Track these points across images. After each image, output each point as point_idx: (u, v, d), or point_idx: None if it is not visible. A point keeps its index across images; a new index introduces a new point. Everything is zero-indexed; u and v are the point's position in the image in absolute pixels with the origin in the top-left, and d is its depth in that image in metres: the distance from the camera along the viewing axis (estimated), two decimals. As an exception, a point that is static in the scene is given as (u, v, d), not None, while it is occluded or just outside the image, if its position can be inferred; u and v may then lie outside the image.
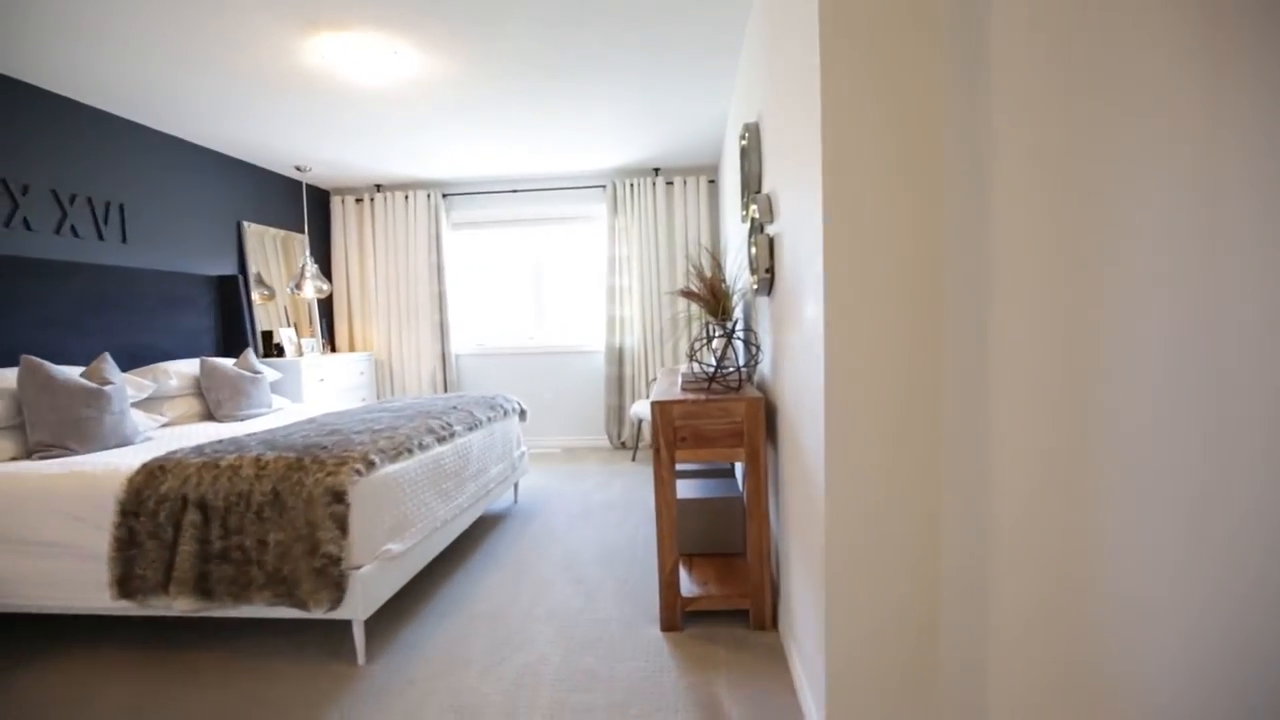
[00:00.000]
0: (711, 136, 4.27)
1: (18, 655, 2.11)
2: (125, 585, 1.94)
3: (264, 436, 2.39)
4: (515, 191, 5.20)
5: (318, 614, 1.89)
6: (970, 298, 1.17)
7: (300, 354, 4.51)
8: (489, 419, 3.11)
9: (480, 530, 3.21)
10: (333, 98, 3.30)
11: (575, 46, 2.81)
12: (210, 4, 2.34)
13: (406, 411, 2.89)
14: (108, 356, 2.73)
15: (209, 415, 3.32)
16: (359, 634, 1.97)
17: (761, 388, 2.40)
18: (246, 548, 1.90)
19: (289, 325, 4.72)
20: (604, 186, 5.10)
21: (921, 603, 1.34)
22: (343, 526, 1.88)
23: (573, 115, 3.73)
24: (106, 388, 2.58)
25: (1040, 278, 0.93)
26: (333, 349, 5.30)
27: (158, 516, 1.94)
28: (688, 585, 2.23)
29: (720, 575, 2.30)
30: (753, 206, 2.20)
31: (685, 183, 4.98)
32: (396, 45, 2.71)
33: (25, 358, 2.44)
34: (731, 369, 2.23)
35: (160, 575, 1.93)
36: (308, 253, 4.64)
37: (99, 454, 2.40)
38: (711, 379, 2.15)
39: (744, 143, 2.46)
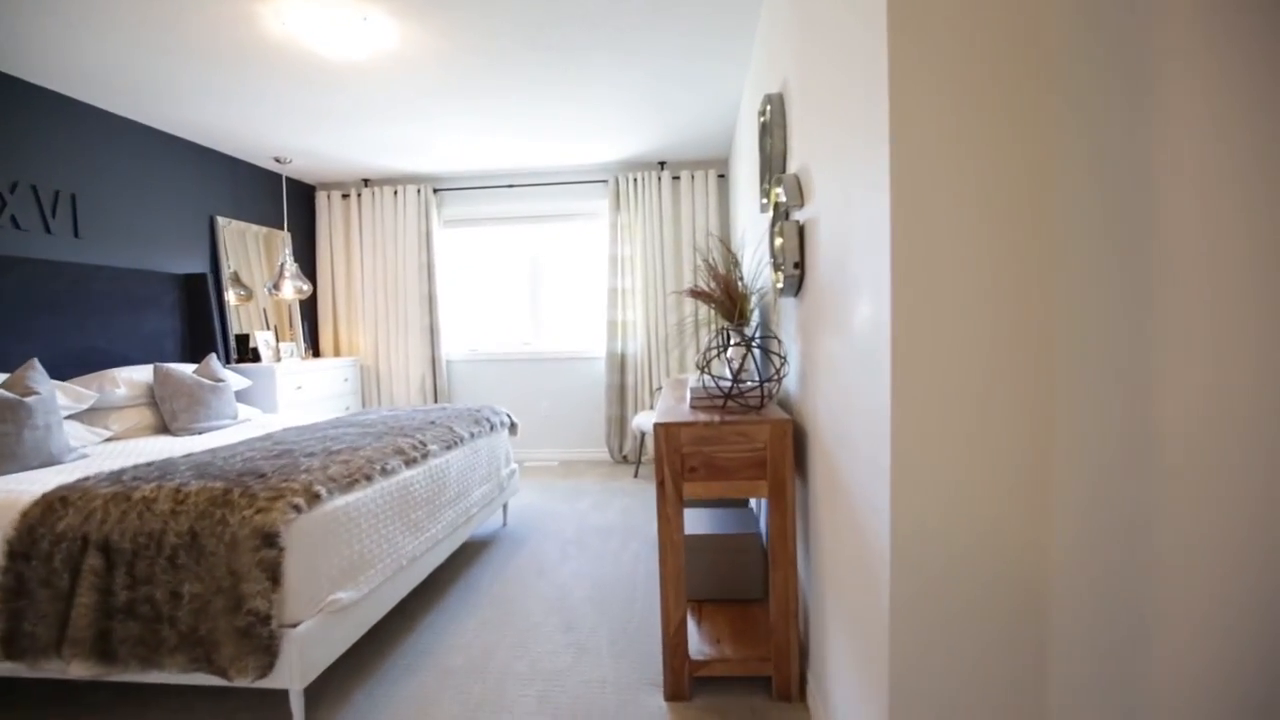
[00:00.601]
0: (721, 126, 3.92)
1: (-104, 720, 1.77)
2: (10, 644, 1.59)
3: (203, 458, 2.04)
4: (511, 186, 4.87)
5: (241, 683, 1.53)
6: (1107, 300, 0.81)
7: (277, 359, 4.18)
8: (472, 435, 2.76)
9: (461, 560, 2.85)
10: (304, 76, 2.97)
11: (572, 18, 2.47)
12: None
13: (377, 427, 2.54)
14: (36, 363, 2.39)
15: (164, 428, 2.98)
16: (297, 706, 1.61)
17: (785, 406, 2.04)
18: (156, 601, 1.55)
19: (268, 328, 4.40)
20: (605, 181, 4.75)
21: (1023, 680, 0.98)
22: (274, 576, 1.53)
23: (571, 103, 3.40)
24: (29, 399, 2.24)
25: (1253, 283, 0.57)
26: (316, 354, 4.97)
27: (52, 560, 1.59)
28: (697, 643, 1.87)
29: (736, 630, 1.94)
30: (776, 190, 1.85)
31: (693, 177, 4.63)
32: (365, 11, 2.38)
33: (-71, 364, 2.11)
34: (752, 384, 1.87)
35: (53, 633, 1.58)
36: (287, 251, 4.32)
37: (12, 476, 2.06)
38: (728, 396, 1.79)
39: (764, 118, 2.11)
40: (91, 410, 2.78)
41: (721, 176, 4.65)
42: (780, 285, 1.82)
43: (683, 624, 1.76)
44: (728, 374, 2.02)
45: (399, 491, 2.09)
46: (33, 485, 1.84)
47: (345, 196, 4.98)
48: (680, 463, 1.70)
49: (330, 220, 4.99)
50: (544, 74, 3.04)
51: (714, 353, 2.01)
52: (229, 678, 1.53)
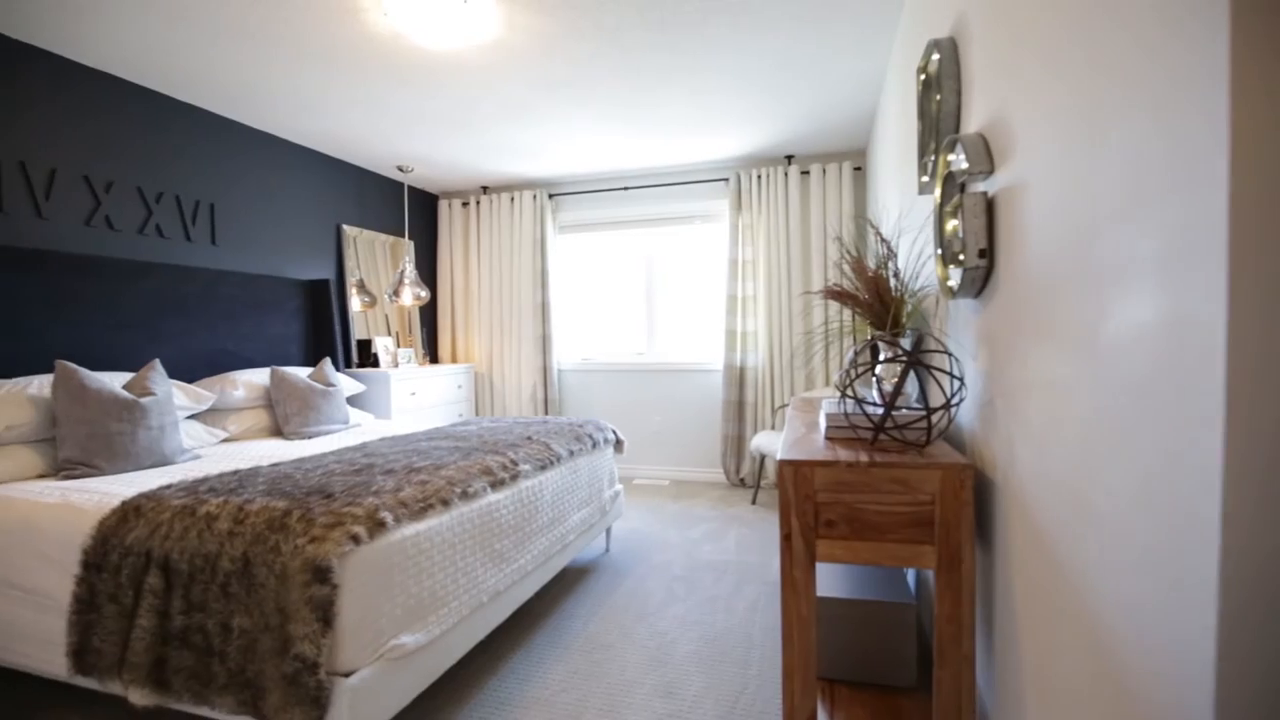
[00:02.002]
0: (859, 110, 3.43)
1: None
2: (80, 659, 1.51)
3: (287, 468, 1.93)
4: (626, 189, 4.64)
5: (289, 737, 1.33)
6: None
7: (395, 365, 4.22)
8: (571, 453, 2.50)
9: (556, 588, 2.60)
10: (411, 73, 2.89)
11: (688, -23, 2.16)
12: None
13: (470, 441, 2.35)
14: (156, 364, 2.44)
15: (278, 431, 3.01)
16: (349, 766, 1.39)
17: (957, 444, 1.57)
18: (208, 631, 1.39)
19: (389, 334, 4.48)
20: (725, 179, 4.39)
21: None
22: (325, 617, 1.32)
23: (688, 91, 3.09)
24: (144, 399, 2.27)
25: None
26: (434, 360, 5.02)
27: (119, 574, 1.50)
28: (829, 744, 1.44)
29: (881, 731, 1.49)
30: (950, 157, 1.40)
31: (824, 171, 4.14)
32: (467, -10, 2.21)
33: (59, 363, 2.18)
34: (913, 413, 1.42)
35: (116, 652, 1.48)
36: (408, 259, 4.37)
37: (123, 475, 2.07)
38: (879, 427, 1.36)
39: (926, 74, 1.66)
40: (212, 411, 2.84)
41: (858, 169, 4.13)
42: (953, 283, 1.37)
43: (811, 718, 1.35)
44: (876, 397, 1.58)
45: (482, 517, 1.85)
46: (127, 489, 1.80)
47: (465, 204, 5.01)
48: (813, 514, 1.30)
49: (451, 228, 5.04)
50: (657, 59, 2.75)
51: (859, 370, 1.58)
52: (275, 730, 1.33)
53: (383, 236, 4.51)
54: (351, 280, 4.16)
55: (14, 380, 2.19)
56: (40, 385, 2.20)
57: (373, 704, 1.41)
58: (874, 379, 1.58)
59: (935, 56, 1.59)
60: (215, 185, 3.31)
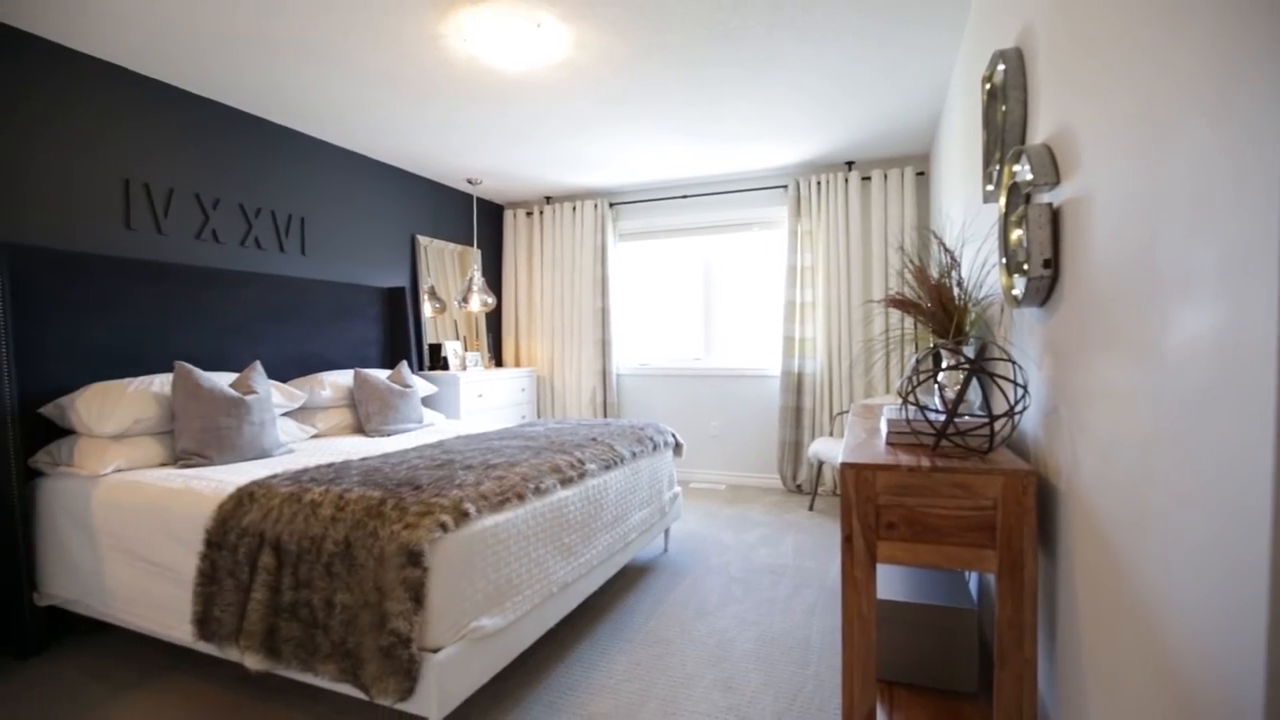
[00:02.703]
0: (922, 115, 3.40)
1: (126, 678, 2.00)
2: (204, 626, 1.70)
3: (375, 462, 2.09)
4: (685, 197, 4.72)
5: (383, 703, 1.47)
6: None
7: (463, 368, 4.43)
8: (633, 454, 2.59)
9: (617, 586, 2.69)
10: (487, 93, 3.06)
11: (750, 2, 2.23)
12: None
13: (539, 441, 2.48)
14: (258, 365, 2.68)
15: (359, 428, 3.23)
16: (435, 735, 1.52)
17: (1021, 451, 1.58)
18: (314, 606, 1.55)
19: (458, 338, 4.70)
20: (784, 186, 4.41)
21: None
22: (417, 597, 1.45)
23: (749, 101, 3.14)
24: (249, 397, 2.50)
25: None
26: (499, 364, 5.23)
27: (238, 552, 1.68)
28: (889, 742, 1.48)
29: (942, 733, 1.51)
30: (1014, 168, 1.42)
31: (885, 176, 4.11)
32: (539, 16, 2.34)
33: (178, 364, 2.43)
34: (975, 420, 1.45)
35: (234, 621, 1.66)
36: (476, 267, 4.58)
37: (231, 466, 2.29)
38: (941, 433, 1.39)
39: (992, 82, 1.67)
40: (302, 409, 3.08)
41: (920, 174, 4.08)
42: (1018, 292, 1.39)
43: (870, 717, 1.39)
44: (938, 404, 1.61)
45: (552, 513, 1.97)
46: (238, 477, 2.00)
47: (529, 214, 5.20)
48: (874, 516, 1.34)
49: (515, 237, 5.24)
50: (721, 72, 2.83)
51: (921, 377, 1.61)
52: (371, 696, 1.47)
53: (451, 245, 4.75)
54: (424, 287, 4.40)
55: (140, 379, 2.45)
56: (162, 384, 2.45)
57: (456, 680, 1.53)
58: (936, 386, 1.61)
59: (1001, 67, 1.61)
60: (306, 200, 3.58)
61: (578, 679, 1.96)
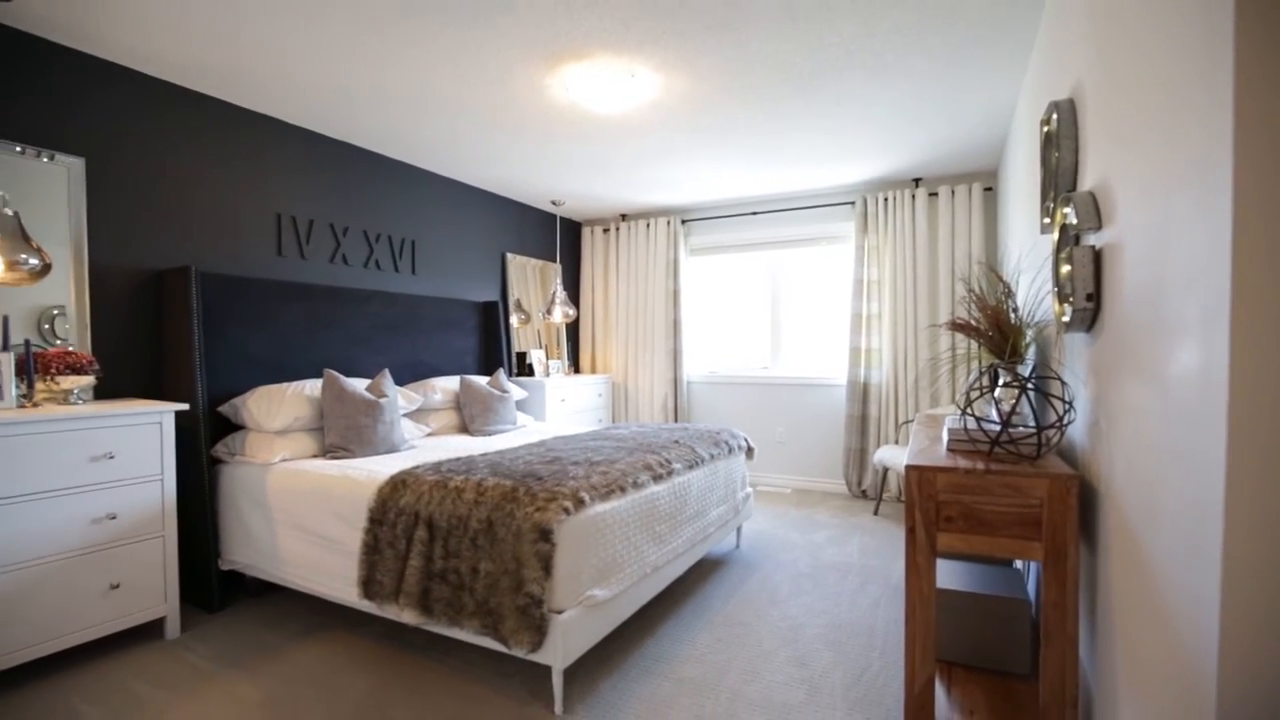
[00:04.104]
0: (990, 134, 3.54)
1: (297, 630, 2.43)
2: (367, 587, 2.09)
3: (494, 458, 2.45)
4: (754, 214, 4.97)
5: (519, 653, 1.81)
6: None
7: (547, 374, 4.82)
8: (712, 456, 2.87)
9: (694, 577, 2.97)
10: (579, 131, 3.42)
11: (822, 45, 2.48)
12: (471, 49, 2.52)
13: (628, 443, 2.79)
14: (386, 373, 3.11)
15: (464, 428, 3.64)
16: (558, 682, 1.85)
17: (1069, 459, 1.77)
18: (461, 572, 1.91)
19: (540, 347, 5.10)
20: (852, 203, 4.60)
21: None
22: (547, 567, 1.78)
23: (818, 125, 3.37)
24: (381, 400, 2.93)
25: None
26: (576, 370, 5.61)
27: (396, 528, 2.06)
28: (945, 709, 1.70)
29: (993, 705, 1.72)
30: (1064, 210, 1.63)
31: (953, 193, 4.24)
32: (634, 68, 2.66)
33: (327, 371, 2.88)
34: (1026, 430, 1.66)
35: (393, 583, 2.03)
36: (559, 281, 4.96)
37: (372, 458, 2.71)
38: (995, 441, 1.61)
39: (1049, 128, 1.87)
40: (418, 410, 3.51)
41: (988, 189, 4.19)
42: (1066, 319, 1.59)
43: (930, 684, 1.62)
44: (994, 415, 1.82)
45: (646, 504, 2.27)
46: (384, 468, 2.40)
47: (605, 231, 5.57)
48: (935, 511, 1.57)
49: (593, 252, 5.62)
50: (793, 105, 3.08)
51: (978, 392, 1.82)
52: (509, 646, 1.81)
53: (533, 261, 5.16)
54: (511, 300, 4.82)
55: (294, 383, 2.91)
56: (312, 388, 2.90)
57: (574, 638, 1.85)
58: (993, 400, 1.82)
59: (1055, 116, 1.81)
60: (416, 225, 4.04)
61: (666, 649, 2.26)
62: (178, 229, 2.83)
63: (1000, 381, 1.80)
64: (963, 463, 1.61)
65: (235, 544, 2.63)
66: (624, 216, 5.48)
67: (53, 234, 2.43)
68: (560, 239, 5.48)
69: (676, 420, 5.16)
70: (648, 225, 5.30)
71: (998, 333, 1.83)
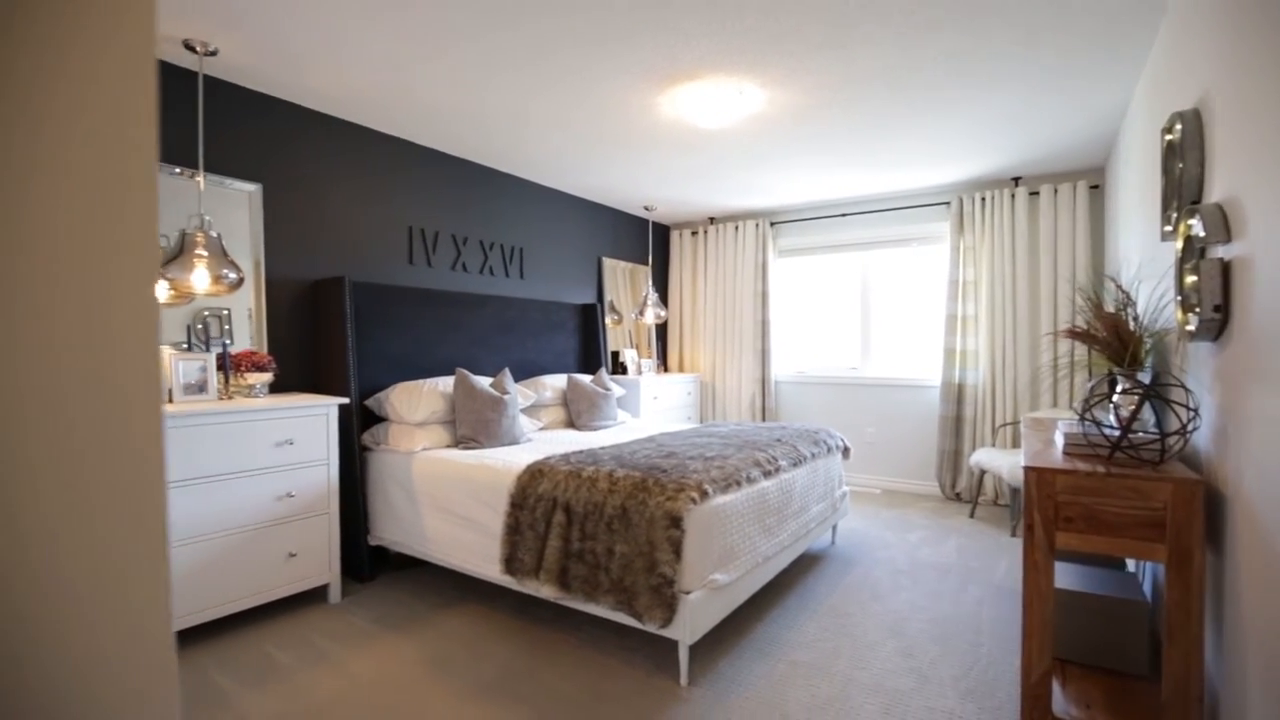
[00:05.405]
0: (1097, 132, 3.47)
1: (439, 600, 2.74)
2: (509, 564, 2.35)
3: (614, 451, 2.68)
4: (844, 215, 5.01)
5: (650, 628, 2.01)
6: None
7: (640, 373, 5.05)
8: (812, 455, 2.99)
9: (796, 570, 3.10)
10: (680, 143, 3.60)
11: (929, 55, 2.54)
12: (592, 76, 2.75)
13: (734, 440, 2.95)
14: (507, 371, 3.40)
15: (570, 423, 3.90)
16: (684, 656, 2.04)
17: (1193, 465, 1.80)
18: (598, 553, 2.13)
19: (631, 346, 5.33)
20: (947, 203, 4.56)
21: None
22: (677, 551, 1.97)
23: (918, 130, 3.41)
24: (505, 396, 3.21)
25: None
26: (665, 369, 5.81)
27: (535, 512, 2.31)
28: (1061, 703, 1.77)
29: (1111, 702, 1.78)
30: (1189, 222, 1.66)
31: (1056, 191, 4.15)
32: (742, 85, 2.81)
33: (458, 370, 3.19)
34: (1147, 436, 1.71)
35: (534, 561, 2.28)
36: (650, 283, 5.18)
37: (498, 449, 2.99)
38: (1116, 446, 1.67)
39: (1172, 137, 1.89)
40: (530, 406, 3.79)
41: (1094, 188, 4.07)
42: (1191, 328, 1.63)
43: (1046, 676, 1.70)
44: (1112, 421, 1.87)
45: (757, 498, 2.43)
46: (515, 458, 2.67)
47: (694, 234, 5.73)
48: (1054, 511, 1.66)
49: (681, 254, 5.80)
50: (895, 113, 3.14)
51: (1097, 398, 1.87)
52: (642, 621, 2.02)
53: (624, 263, 5.38)
54: (605, 302, 5.06)
55: (429, 380, 3.24)
56: (444, 385, 3.22)
57: (699, 617, 2.04)
58: (1112, 405, 1.87)
59: (1179, 127, 1.84)
60: (524, 233, 4.35)
61: (776, 635, 2.41)
62: (329, 242, 3.21)
63: (1119, 388, 1.85)
64: (1081, 466, 1.68)
65: (382, 522, 2.98)
66: (712, 220, 5.63)
67: (238, 250, 2.83)
68: (651, 242, 5.69)
69: (764, 419, 5.27)
70: (736, 228, 5.42)
71: (1116, 340, 1.87)
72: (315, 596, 2.78)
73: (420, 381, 3.19)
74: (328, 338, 3.05)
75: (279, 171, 3.01)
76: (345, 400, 2.80)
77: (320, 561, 2.70)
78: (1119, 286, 1.96)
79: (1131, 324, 1.88)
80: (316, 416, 2.68)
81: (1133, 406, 1.81)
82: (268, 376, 2.73)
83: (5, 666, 0.39)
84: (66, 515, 0.42)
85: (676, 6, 2.18)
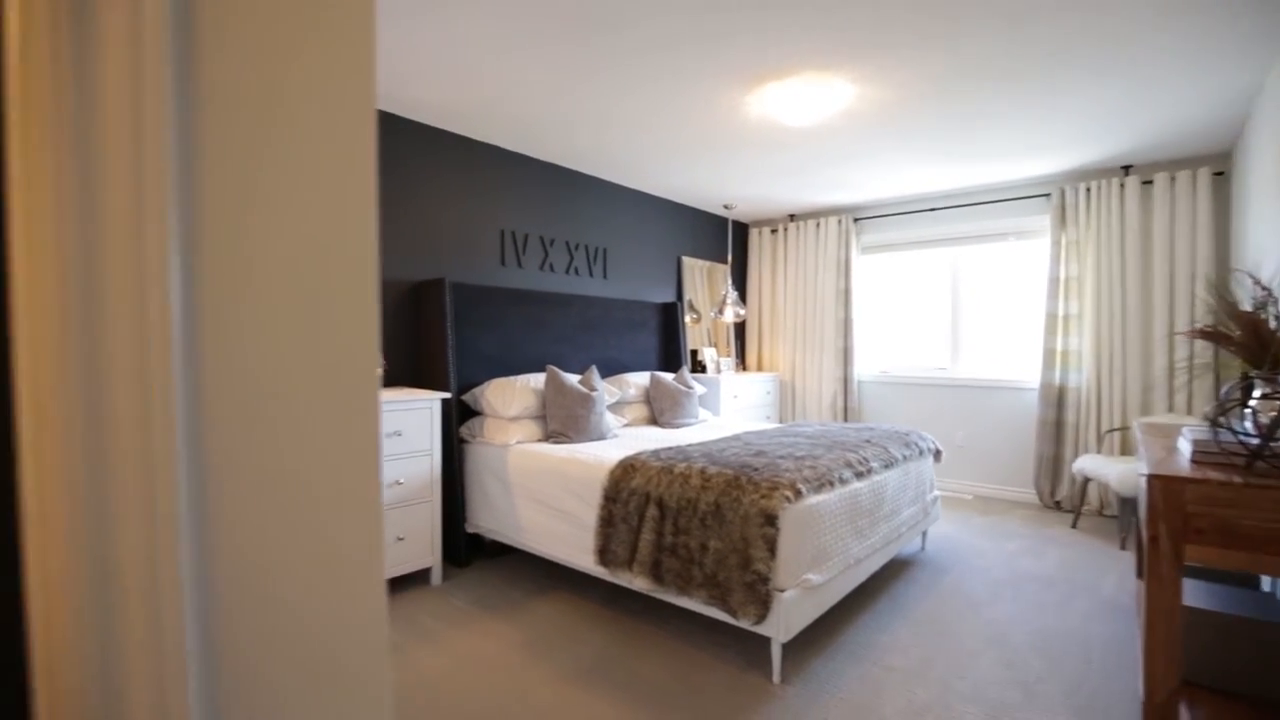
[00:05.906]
0: (1222, 115, 3.19)
1: (532, 587, 2.86)
2: (603, 555, 2.43)
3: (702, 448, 2.71)
4: (932, 210, 4.83)
5: (745, 624, 2.03)
6: None
7: (719, 372, 5.06)
8: (904, 457, 2.92)
9: (887, 574, 3.04)
10: (766, 141, 3.58)
11: (1037, 45, 2.43)
12: (687, 76, 2.78)
13: (822, 440, 2.93)
14: (594, 369, 3.50)
15: (653, 420, 3.96)
16: (777, 653, 2.05)
17: (1344, 474, 1.65)
18: (691, 548, 2.17)
19: (710, 345, 5.34)
20: (1047, 195, 4.32)
21: None
22: (772, 548, 1.99)
23: (1017, 120, 3.26)
24: (593, 393, 3.31)
25: None
26: (744, 368, 5.79)
27: (628, 505, 2.38)
28: (1190, 724, 1.67)
29: (1248, 726, 1.66)
30: (1346, 214, 1.53)
31: (1173, 179, 3.85)
32: (832, 83, 2.78)
33: (549, 367, 3.31)
34: (1291, 444, 1.59)
35: (627, 554, 2.35)
36: (729, 281, 5.17)
37: (587, 444, 3.09)
38: (1256, 455, 1.56)
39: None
40: (614, 403, 3.88)
41: (1219, 174, 3.76)
42: (1348, 329, 1.50)
43: (1173, 699, 1.61)
44: (1249, 427, 1.74)
45: (849, 499, 2.40)
46: (606, 453, 2.75)
47: (774, 231, 5.68)
48: (1182, 522, 1.57)
49: (760, 252, 5.76)
50: (995, 104, 3.01)
51: (1232, 403, 1.75)
52: (735, 617, 2.04)
53: (702, 262, 5.40)
54: (684, 300, 5.10)
55: (520, 377, 3.38)
56: (536, 381, 3.35)
57: (793, 615, 2.04)
58: (1249, 411, 1.74)
59: (1333, 110, 1.69)
60: (607, 234, 4.44)
61: (868, 638, 2.38)
62: (429, 245, 3.41)
63: (1258, 393, 1.72)
64: (1214, 475, 1.58)
65: (478, 511, 3.14)
66: (792, 217, 5.56)
67: (352, 255, 3.05)
68: (731, 241, 5.68)
69: (846, 420, 5.16)
70: (817, 225, 5.33)
71: (1255, 340, 1.74)
72: (419, 579, 2.96)
73: (513, 378, 3.33)
74: (429, 335, 3.24)
75: (388, 178, 3.21)
76: (447, 395, 2.97)
77: (424, 546, 2.88)
78: (1257, 282, 1.82)
79: (1273, 323, 1.74)
80: (422, 410, 2.86)
81: (1274, 413, 1.68)
82: (380, 372, 2.93)
83: (276, 606, 0.49)
84: (325, 480, 0.52)
85: (775, 5, 2.19)
